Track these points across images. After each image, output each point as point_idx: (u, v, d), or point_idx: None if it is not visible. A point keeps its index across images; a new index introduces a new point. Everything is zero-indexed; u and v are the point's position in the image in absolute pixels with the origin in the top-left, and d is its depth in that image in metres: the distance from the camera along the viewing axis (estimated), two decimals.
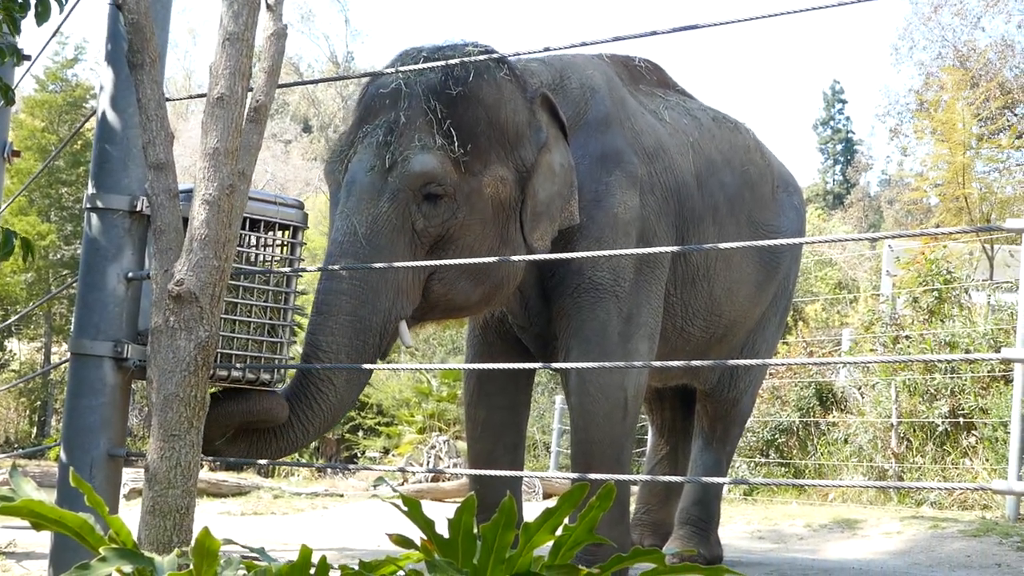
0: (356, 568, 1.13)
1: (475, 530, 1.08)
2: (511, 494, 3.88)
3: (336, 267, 3.10)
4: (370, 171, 3.20)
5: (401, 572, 1.11)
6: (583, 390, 3.56)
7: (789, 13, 2.46)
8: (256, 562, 1.18)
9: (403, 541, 1.18)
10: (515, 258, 3.13)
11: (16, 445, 15.72)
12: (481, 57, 3.26)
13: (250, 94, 2.29)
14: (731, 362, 2.71)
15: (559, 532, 1.09)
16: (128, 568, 1.01)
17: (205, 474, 9.67)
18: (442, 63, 3.21)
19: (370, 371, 3.23)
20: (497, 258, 3.10)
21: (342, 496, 8.79)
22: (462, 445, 11.43)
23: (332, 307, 3.12)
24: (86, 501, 1.12)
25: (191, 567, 1.04)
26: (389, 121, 3.24)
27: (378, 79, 3.38)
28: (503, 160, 3.37)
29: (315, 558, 1.21)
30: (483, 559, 1.06)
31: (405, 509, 1.13)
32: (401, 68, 3.26)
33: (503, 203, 3.36)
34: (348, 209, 3.20)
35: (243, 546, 1.29)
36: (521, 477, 3.73)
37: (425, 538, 1.09)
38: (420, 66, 3.21)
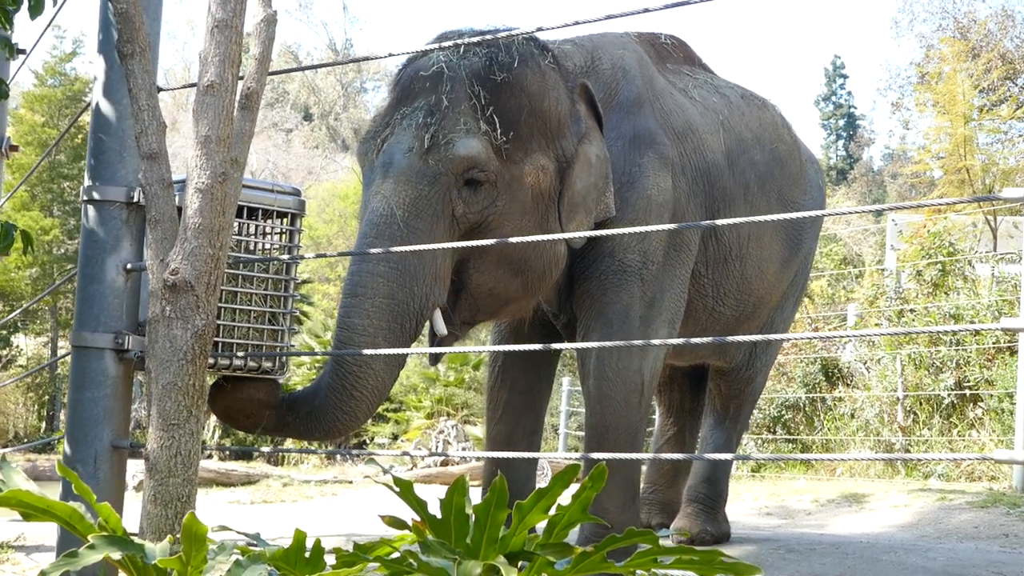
0: (351, 551, 1.13)
1: (468, 510, 1.08)
2: (519, 476, 3.87)
3: (336, 254, 3.09)
4: (408, 152, 3.14)
5: (396, 553, 1.11)
6: (601, 374, 3.53)
7: None
8: (251, 547, 1.18)
9: (395, 522, 1.18)
10: (529, 238, 3.03)
11: (25, 439, 15.78)
12: (450, 44, 3.22)
13: (241, 81, 2.28)
14: (730, 339, 2.69)
15: (552, 512, 1.09)
16: (117, 555, 1.01)
17: (214, 463, 9.70)
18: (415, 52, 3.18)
19: (406, 353, 3.19)
20: (518, 239, 3.00)
21: (351, 483, 8.81)
22: (470, 430, 11.45)
23: (368, 289, 3.07)
24: (74, 490, 1.12)
25: (181, 552, 1.04)
26: (430, 104, 3.18)
27: (416, 62, 3.32)
28: (544, 149, 3.33)
29: (326, 544, 1.21)
30: (476, 538, 1.06)
31: (397, 490, 1.12)
32: (389, 54, 3.24)
33: (543, 193, 3.32)
34: (385, 190, 3.13)
35: (239, 532, 1.29)
36: (537, 459, 3.73)
37: (417, 518, 1.09)
38: (439, 48, 3.16)
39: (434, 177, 3.13)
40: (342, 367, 3.03)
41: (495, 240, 3.02)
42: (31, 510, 1.08)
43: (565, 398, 10.18)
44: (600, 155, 3.45)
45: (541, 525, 1.27)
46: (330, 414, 3.02)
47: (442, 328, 3.21)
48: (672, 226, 3.02)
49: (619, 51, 3.78)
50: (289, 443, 9.30)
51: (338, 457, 11.67)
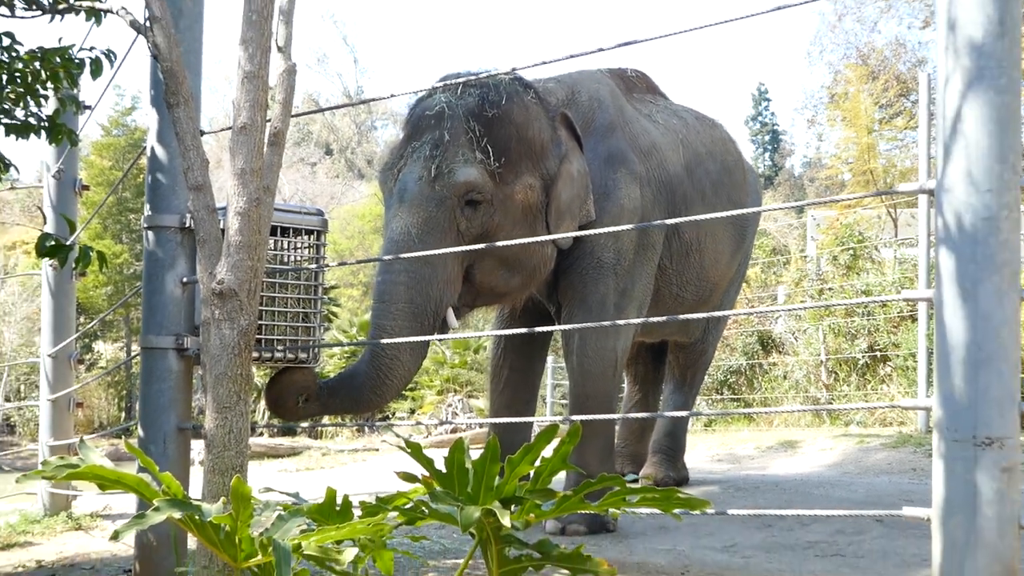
0: (374, 503, 1.13)
1: (467, 465, 1.07)
2: (517, 437, 3.87)
3: (355, 262, 3.08)
4: (419, 180, 3.17)
5: (411, 503, 1.10)
6: (583, 352, 3.53)
7: (716, 24, 2.44)
8: (293, 504, 1.17)
9: (408, 477, 1.17)
10: (524, 240, 3.05)
11: (107, 427, 15.74)
12: (442, 84, 3.21)
13: (269, 123, 2.26)
14: (681, 316, 2.68)
15: (538, 463, 1.08)
16: (178, 514, 1.00)
17: (265, 440, 9.68)
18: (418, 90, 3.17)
19: (428, 343, 3.20)
20: (517, 240, 3.01)
21: (377, 450, 8.80)
22: (474, 402, 11.43)
23: (392, 295, 3.10)
24: (140, 463, 1.11)
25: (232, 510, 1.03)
26: (434, 138, 3.21)
27: (423, 102, 3.34)
28: (531, 170, 3.33)
29: (355, 499, 1.20)
30: (475, 488, 1.06)
31: (408, 451, 1.12)
32: (406, 90, 3.22)
33: (531, 206, 3.33)
34: (401, 213, 3.17)
35: (282, 492, 1.28)
36: (532, 423, 3.75)
37: (427, 474, 1.08)
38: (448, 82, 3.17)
39: (440, 200, 3.16)
40: (376, 358, 3.07)
41: (486, 244, 3.02)
42: (105, 481, 1.07)
43: (550, 373, 10.17)
44: (581, 170, 3.46)
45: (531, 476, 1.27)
46: (366, 396, 3.07)
47: (455, 323, 3.24)
48: (635, 226, 3.01)
49: (594, 85, 3.79)
50: (325, 419, 9.27)
51: (366, 429, 11.65)
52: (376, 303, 3.14)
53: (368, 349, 3.10)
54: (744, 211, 2.80)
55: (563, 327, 3.21)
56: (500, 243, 2.99)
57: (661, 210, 3.79)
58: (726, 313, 2.73)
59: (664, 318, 2.52)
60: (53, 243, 3.00)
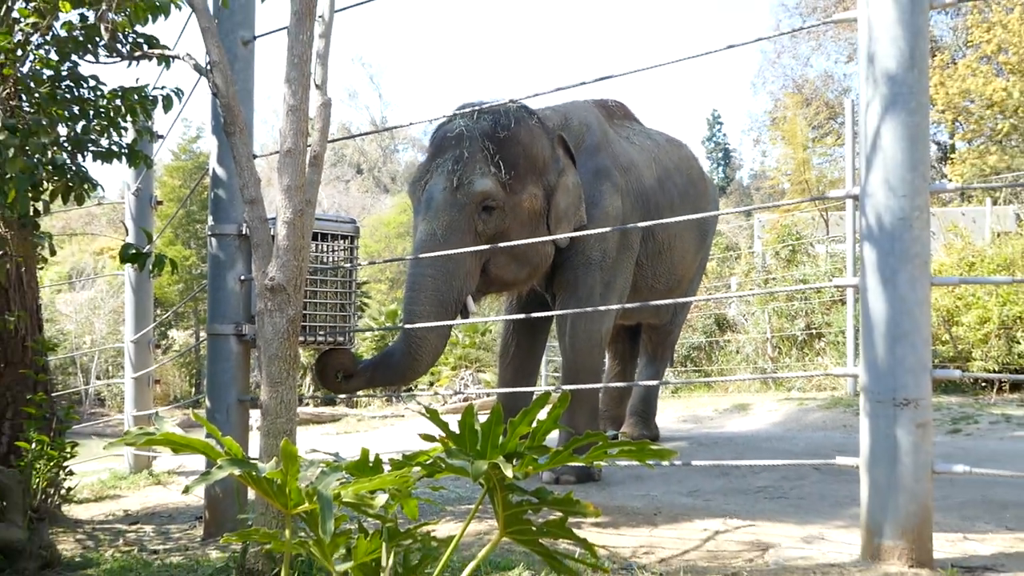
0: (401, 459, 1.13)
1: (476, 427, 1.07)
2: (520, 403, 3.88)
3: (383, 260, 3.08)
4: (443, 190, 3.17)
5: (430, 459, 1.10)
6: (574, 333, 3.54)
7: (677, 61, 2.44)
8: (333, 462, 1.17)
9: (427, 437, 1.17)
10: (530, 241, 3.09)
11: (180, 400, 15.77)
12: (460, 112, 3.19)
13: (309, 147, 2.25)
14: (653, 302, 2.68)
15: (534, 424, 1.08)
16: (237, 471, 1.00)
17: (310, 409, 9.67)
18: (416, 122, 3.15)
19: (451, 325, 3.21)
20: (524, 240, 3.05)
21: (403, 416, 8.79)
22: (482, 376, 11.42)
23: (422, 285, 3.11)
24: (206, 430, 1.10)
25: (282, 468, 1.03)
26: (455, 155, 3.21)
27: (444, 126, 3.35)
28: (535, 182, 3.34)
29: (385, 457, 1.20)
30: (483, 446, 1.06)
31: (428, 417, 1.12)
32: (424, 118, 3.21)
33: (536, 212, 3.34)
34: (428, 218, 3.17)
35: (324, 452, 1.28)
36: (532, 391, 3.76)
37: (443, 435, 1.08)
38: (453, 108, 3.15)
39: (461, 207, 3.16)
40: (409, 339, 3.08)
41: (499, 244, 3.02)
42: (177, 445, 1.07)
43: (544, 351, 10.16)
44: (575, 182, 3.47)
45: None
46: (402, 371, 3.08)
47: (474, 308, 3.25)
48: (617, 228, 3.01)
49: (583, 113, 3.80)
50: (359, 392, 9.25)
51: (394, 399, 11.65)
52: (408, 292, 3.15)
53: (402, 331, 3.11)
54: (704, 215, 2.81)
55: (558, 312, 3.21)
56: (510, 243, 3.02)
57: (638, 216, 3.81)
58: (689, 300, 2.74)
59: (639, 304, 2.54)
60: (134, 251, 3.00)
